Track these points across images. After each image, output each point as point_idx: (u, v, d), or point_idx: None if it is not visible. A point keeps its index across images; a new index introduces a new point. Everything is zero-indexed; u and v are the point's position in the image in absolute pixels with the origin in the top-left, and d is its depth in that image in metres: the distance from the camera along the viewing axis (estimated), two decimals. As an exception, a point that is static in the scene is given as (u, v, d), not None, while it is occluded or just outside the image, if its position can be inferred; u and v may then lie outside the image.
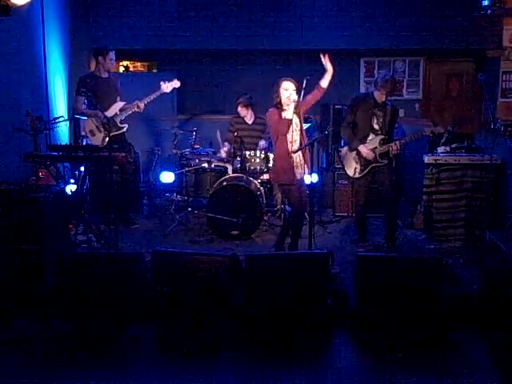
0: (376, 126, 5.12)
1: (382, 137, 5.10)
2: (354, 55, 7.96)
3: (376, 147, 5.07)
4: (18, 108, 5.21)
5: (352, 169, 5.19)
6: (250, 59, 7.90)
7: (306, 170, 4.62)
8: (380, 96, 5.06)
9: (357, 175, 5.17)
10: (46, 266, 4.14)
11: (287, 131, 4.49)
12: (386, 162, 5.09)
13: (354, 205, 5.61)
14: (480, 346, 3.56)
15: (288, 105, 4.55)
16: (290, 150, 4.52)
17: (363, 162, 5.12)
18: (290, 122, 4.51)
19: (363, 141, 5.10)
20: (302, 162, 4.66)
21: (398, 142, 5.05)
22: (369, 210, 5.49)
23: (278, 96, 4.55)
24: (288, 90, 4.53)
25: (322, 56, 4.53)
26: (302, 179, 4.63)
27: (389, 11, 7.28)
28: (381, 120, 5.11)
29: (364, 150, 5.06)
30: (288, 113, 4.56)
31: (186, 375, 3.26)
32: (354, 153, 5.16)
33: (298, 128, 4.62)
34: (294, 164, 4.60)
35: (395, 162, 5.22)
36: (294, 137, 4.52)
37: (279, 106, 4.59)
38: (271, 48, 7.44)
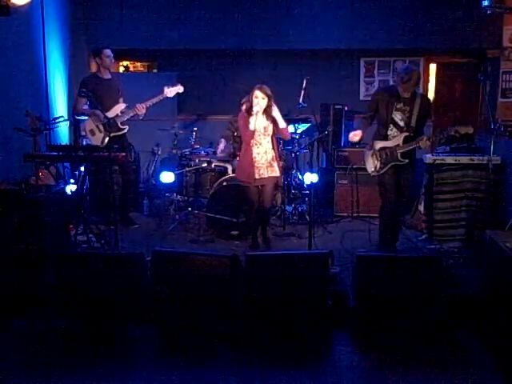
0: (401, 123, 4.81)
1: (407, 134, 4.78)
2: (354, 55, 7.94)
3: (398, 145, 4.80)
4: (18, 108, 5.20)
5: (372, 166, 4.96)
6: (250, 59, 7.89)
7: (269, 172, 4.97)
8: (404, 89, 4.71)
9: (378, 171, 4.91)
10: (46, 266, 4.14)
11: (250, 139, 4.91)
12: (407, 161, 4.82)
13: (381, 206, 5.08)
14: (480, 346, 3.55)
15: (256, 112, 4.78)
16: (253, 152, 4.93)
17: (383, 159, 4.87)
18: (253, 132, 4.88)
19: (385, 138, 4.86)
20: (269, 164, 4.96)
21: (425, 140, 4.70)
22: (367, 209, 5.46)
23: (250, 102, 4.81)
24: (257, 99, 4.77)
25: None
26: (267, 179, 4.98)
27: (389, 11, 7.26)
28: (407, 115, 4.78)
29: (351, 134, 4.95)
30: (253, 119, 4.82)
31: (186, 375, 3.25)
32: (372, 151, 4.94)
33: (267, 133, 4.92)
34: (256, 165, 4.90)
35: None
36: (260, 139, 4.92)
37: (249, 112, 4.86)
38: (271, 48, 7.43)
